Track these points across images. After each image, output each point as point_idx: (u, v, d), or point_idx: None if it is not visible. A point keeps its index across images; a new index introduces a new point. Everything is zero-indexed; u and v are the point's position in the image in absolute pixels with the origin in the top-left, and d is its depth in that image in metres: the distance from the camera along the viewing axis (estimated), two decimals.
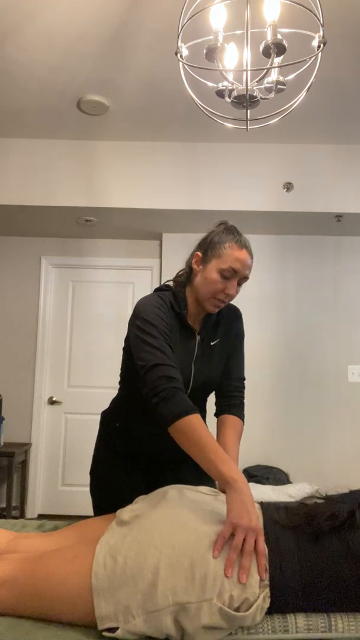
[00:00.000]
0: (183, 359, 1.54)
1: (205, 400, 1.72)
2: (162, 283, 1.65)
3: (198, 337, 1.60)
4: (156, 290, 1.64)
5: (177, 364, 1.44)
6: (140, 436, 1.64)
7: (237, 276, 1.51)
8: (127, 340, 1.60)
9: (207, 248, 1.54)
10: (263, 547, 1.11)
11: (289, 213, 3.67)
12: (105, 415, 1.78)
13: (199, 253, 1.56)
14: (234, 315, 1.70)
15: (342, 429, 4.00)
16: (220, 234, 1.53)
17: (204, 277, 1.52)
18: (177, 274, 1.65)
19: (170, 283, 1.64)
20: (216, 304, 1.54)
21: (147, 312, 1.49)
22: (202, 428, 1.31)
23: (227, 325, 1.67)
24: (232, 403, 1.66)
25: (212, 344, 1.62)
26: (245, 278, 1.53)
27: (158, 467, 1.66)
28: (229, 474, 1.21)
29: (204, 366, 1.60)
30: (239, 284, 1.54)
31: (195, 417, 1.33)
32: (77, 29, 2.48)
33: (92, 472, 1.75)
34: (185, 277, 1.61)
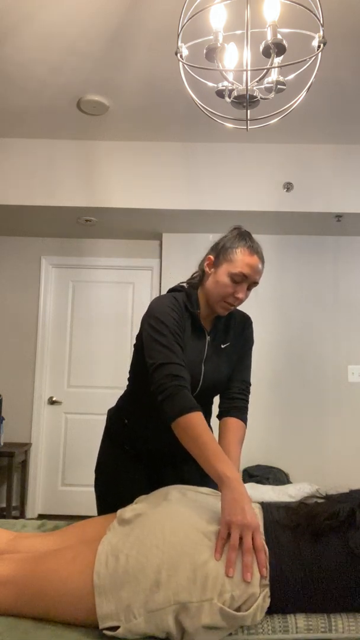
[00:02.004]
0: (194, 358, 1.57)
1: (212, 402, 1.74)
2: (177, 284, 1.70)
3: (208, 338, 1.63)
4: (170, 290, 1.68)
5: (185, 363, 1.47)
6: (147, 434, 1.65)
7: (247, 281, 1.54)
8: (138, 338, 1.63)
9: (219, 252, 1.57)
10: (261, 542, 1.12)
11: (289, 213, 3.67)
12: (113, 413, 1.80)
13: (211, 256, 1.60)
14: (245, 323, 1.74)
15: (342, 429, 4.00)
16: (232, 239, 1.56)
17: (215, 280, 1.56)
18: (192, 275, 1.69)
19: (185, 284, 1.68)
20: (226, 307, 1.57)
21: (160, 311, 1.53)
22: (202, 426, 1.34)
23: (238, 331, 1.71)
24: (235, 405, 1.66)
25: (222, 346, 1.65)
26: (255, 283, 1.56)
27: (163, 466, 1.67)
28: (223, 472, 1.23)
29: (213, 367, 1.62)
30: (249, 289, 1.57)
31: (197, 415, 1.35)
32: (77, 29, 2.48)
33: (97, 469, 1.77)
34: (198, 279, 1.65)
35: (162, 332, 1.48)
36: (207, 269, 1.60)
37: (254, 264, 1.53)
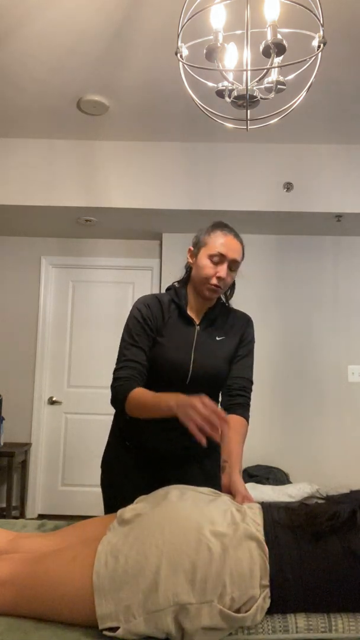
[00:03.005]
0: (181, 346, 1.65)
1: (216, 403, 1.74)
2: (172, 283, 1.80)
3: (198, 327, 1.68)
4: (166, 290, 1.78)
5: (142, 359, 1.61)
6: (147, 434, 1.66)
7: (226, 260, 1.61)
8: None
9: (197, 241, 1.69)
10: (213, 404, 1.26)
11: (289, 213, 3.67)
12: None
13: (191, 248, 1.71)
14: (245, 322, 1.78)
15: (342, 429, 4.00)
16: (208, 229, 1.68)
17: (197, 266, 1.66)
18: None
19: (175, 283, 1.78)
20: (211, 288, 1.64)
21: (130, 314, 1.69)
22: (139, 395, 1.50)
23: (237, 328, 1.74)
24: (237, 402, 1.68)
25: (218, 338, 1.69)
26: (235, 262, 1.63)
27: (163, 466, 1.68)
28: (167, 403, 1.35)
29: (205, 356, 1.65)
30: (232, 270, 1.64)
31: (132, 393, 1.51)
32: (77, 29, 2.48)
33: (102, 464, 1.80)
34: (186, 275, 1.75)
35: (123, 336, 1.66)
36: (190, 260, 1.70)
37: (230, 242, 1.61)
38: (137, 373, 1.59)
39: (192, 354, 1.63)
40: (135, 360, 1.61)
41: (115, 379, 1.60)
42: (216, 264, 1.60)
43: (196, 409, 1.25)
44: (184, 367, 1.62)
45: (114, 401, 1.59)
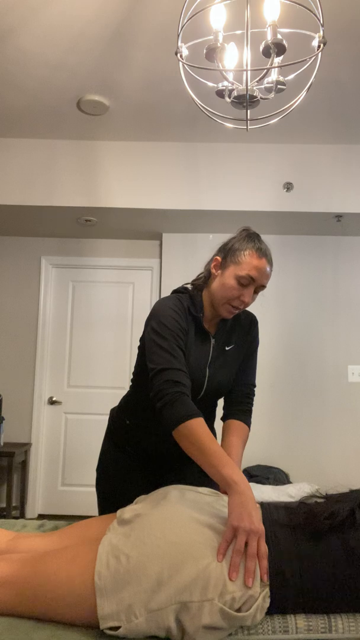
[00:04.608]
0: (198, 362, 1.55)
1: (216, 405, 1.73)
2: (181, 285, 1.66)
3: (213, 341, 1.60)
4: (174, 292, 1.64)
5: (186, 367, 1.44)
6: (148, 435, 1.64)
7: (254, 284, 1.51)
8: (142, 340, 1.61)
9: (226, 253, 1.54)
10: (265, 549, 1.11)
11: (289, 213, 3.67)
12: (115, 412, 1.78)
13: (218, 257, 1.56)
14: (250, 323, 1.70)
15: (342, 429, 4.00)
16: (240, 241, 1.53)
17: (221, 282, 1.53)
18: (197, 276, 1.66)
19: (189, 286, 1.65)
20: (230, 310, 1.54)
21: (163, 314, 1.50)
22: (203, 432, 1.31)
23: (243, 331, 1.68)
24: (240, 409, 1.66)
25: (227, 349, 1.63)
26: (263, 287, 1.53)
27: (163, 467, 1.66)
28: (231, 476, 1.21)
29: (218, 370, 1.60)
30: (256, 292, 1.54)
31: (197, 422, 1.33)
32: (77, 29, 2.48)
33: (98, 468, 1.76)
34: (203, 281, 1.62)
35: (163, 335, 1.45)
36: (213, 270, 1.57)
37: (262, 267, 1.49)
38: (189, 384, 1.42)
39: (207, 370, 1.58)
40: (185, 365, 1.44)
41: (173, 382, 1.37)
42: (243, 286, 1.49)
43: (250, 536, 1.10)
44: (198, 384, 1.55)
45: (166, 408, 1.36)
